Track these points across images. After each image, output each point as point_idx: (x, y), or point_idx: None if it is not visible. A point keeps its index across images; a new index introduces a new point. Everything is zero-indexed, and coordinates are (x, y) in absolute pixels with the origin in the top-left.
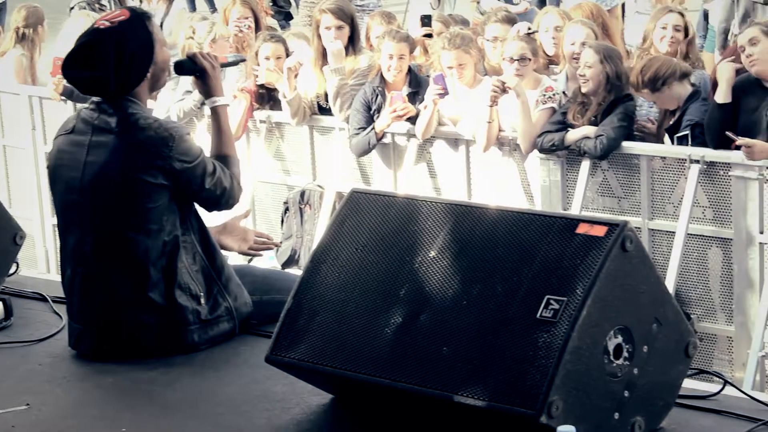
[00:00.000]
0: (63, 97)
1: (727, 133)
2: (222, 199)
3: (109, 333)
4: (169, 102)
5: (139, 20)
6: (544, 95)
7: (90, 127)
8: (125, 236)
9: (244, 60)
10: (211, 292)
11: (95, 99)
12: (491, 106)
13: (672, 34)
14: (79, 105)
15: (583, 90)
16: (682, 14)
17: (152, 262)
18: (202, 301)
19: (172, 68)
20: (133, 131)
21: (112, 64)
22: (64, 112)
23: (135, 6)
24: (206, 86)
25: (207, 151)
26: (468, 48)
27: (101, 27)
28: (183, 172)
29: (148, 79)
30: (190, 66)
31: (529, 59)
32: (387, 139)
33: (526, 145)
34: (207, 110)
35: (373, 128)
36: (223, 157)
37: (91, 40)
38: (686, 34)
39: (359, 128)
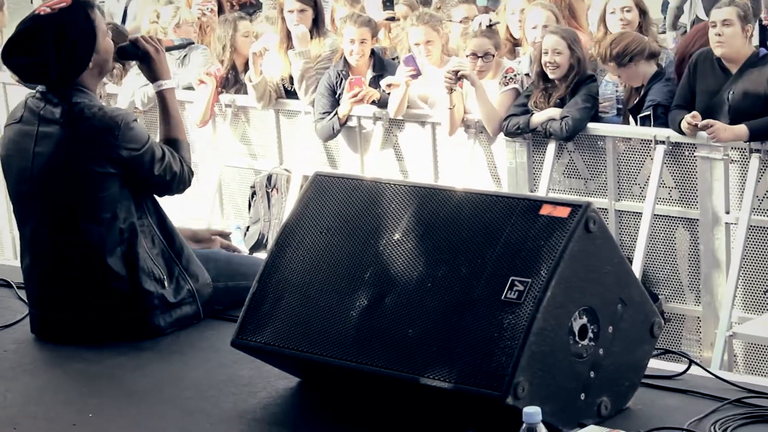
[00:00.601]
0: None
1: (691, 114)
2: (173, 184)
3: (72, 320)
4: (134, 87)
5: (80, 8)
6: (506, 77)
7: (36, 117)
8: (78, 227)
9: (192, 43)
10: (173, 275)
11: (40, 88)
12: (450, 94)
13: (621, 16)
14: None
15: (552, 76)
16: None
17: (109, 250)
18: (166, 284)
19: None
20: (78, 121)
21: (52, 51)
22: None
23: None
24: (151, 70)
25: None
26: (436, 25)
27: (41, 13)
28: (131, 159)
29: (91, 68)
30: (132, 51)
31: (493, 55)
32: (353, 123)
33: (491, 129)
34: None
35: (337, 113)
36: (172, 140)
37: (30, 26)
38: (643, 15)
39: (324, 113)
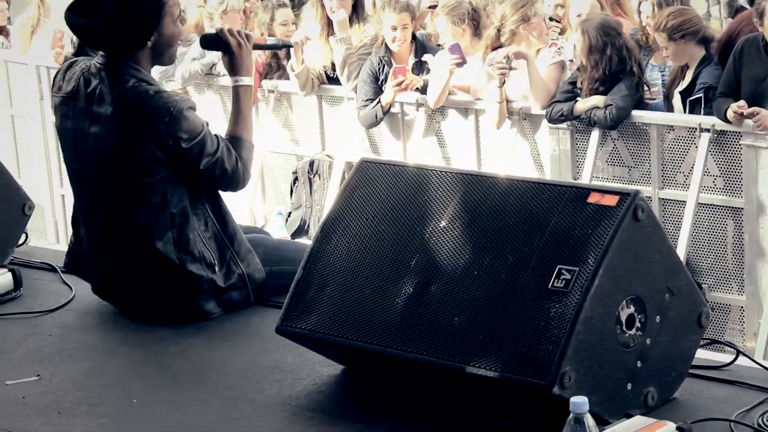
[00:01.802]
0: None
1: (737, 104)
2: (222, 181)
3: (124, 297)
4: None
5: None
6: (550, 50)
7: (90, 94)
8: (127, 210)
9: (289, 46)
10: (224, 259)
11: (97, 62)
12: (500, 87)
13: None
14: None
15: (593, 70)
16: None
17: (158, 235)
18: (217, 269)
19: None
20: (132, 103)
21: (110, 18)
22: None
23: None
24: (231, 64)
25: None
26: (461, 16)
27: None
28: (177, 149)
29: (150, 48)
30: (214, 40)
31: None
32: (396, 109)
33: (541, 102)
34: (221, 80)
35: (380, 101)
36: (235, 138)
37: None
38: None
39: (367, 100)
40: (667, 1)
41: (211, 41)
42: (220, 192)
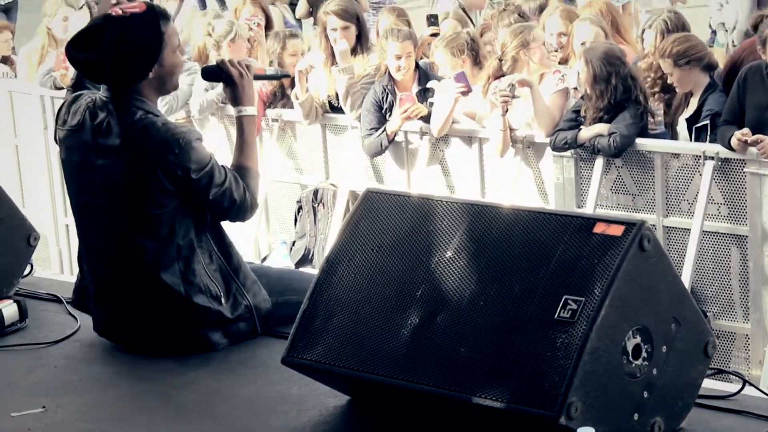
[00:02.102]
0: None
1: (741, 131)
2: (230, 211)
3: (129, 333)
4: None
5: (153, 17)
6: (554, 77)
7: (96, 127)
8: (135, 242)
9: (287, 76)
10: (230, 291)
11: (103, 95)
12: (503, 115)
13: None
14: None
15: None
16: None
17: (164, 266)
18: (223, 301)
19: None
20: (139, 136)
21: (112, 51)
22: None
23: (156, 4)
24: (233, 94)
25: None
26: (460, 47)
27: (113, 14)
28: (187, 180)
29: (152, 80)
30: (216, 72)
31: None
32: (400, 138)
33: (545, 129)
34: (228, 110)
35: (385, 130)
36: (242, 168)
37: (99, 24)
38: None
39: (371, 129)
40: (669, 28)
41: (212, 73)
42: (227, 222)
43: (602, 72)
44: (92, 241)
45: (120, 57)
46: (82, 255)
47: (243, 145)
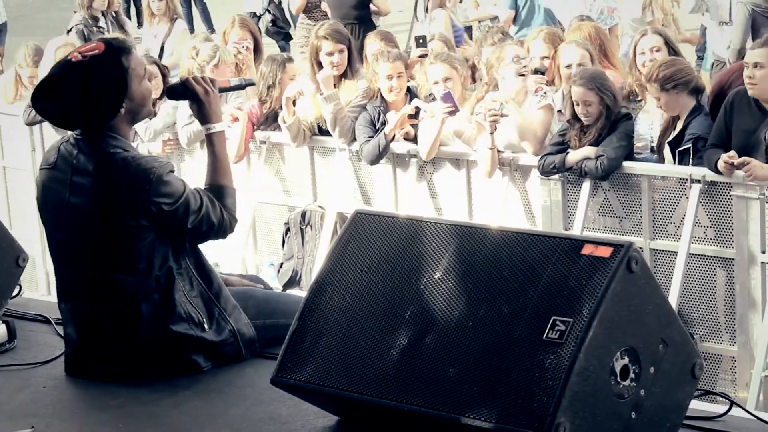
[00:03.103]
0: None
1: (728, 154)
2: (210, 234)
3: (110, 364)
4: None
5: (113, 54)
6: (536, 95)
7: (69, 165)
8: (112, 278)
9: (252, 84)
10: (213, 316)
11: (74, 134)
12: (492, 133)
13: (651, 57)
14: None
15: (585, 123)
16: (659, 34)
17: (143, 298)
18: (206, 326)
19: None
20: (111, 173)
21: (77, 99)
22: (63, 133)
23: (116, 37)
24: (200, 112)
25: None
26: (454, 63)
27: (72, 60)
28: (162, 213)
29: (123, 114)
30: (181, 91)
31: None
32: (388, 160)
33: (532, 147)
34: None
35: (383, 132)
36: (216, 187)
37: (59, 73)
38: (674, 54)
39: (369, 137)
40: (672, 47)
41: (178, 92)
42: (204, 245)
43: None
44: (69, 277)
45: (86, 103)
46: (60, 295)
47: (216, 163)
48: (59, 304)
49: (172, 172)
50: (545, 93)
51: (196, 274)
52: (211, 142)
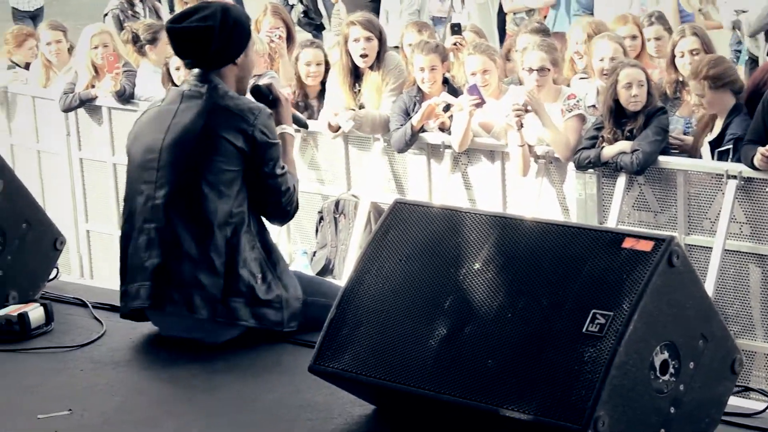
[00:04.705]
0: (117, 94)
1: (766, 148)
2: (284, 198)
3: (162, 287)
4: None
5: (242, 10)
6: (568, 103)
7: (179, 96)
8: (198, 192)
9: (306, 127)
10: (266, 278)
11: (189, 79)
12: (519, 130)
13: (690, 59)
14: (116, 114)
15: (633, 109)
16: (696, 35)
17: (218, 224)
18: (259, 281)
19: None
20: (222, 97)
21: (219, 21)
22: (97, 118)
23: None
24: (278, 115)
25: None
26: (492, 55)
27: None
28: (261, 145)
29: (236, 68)
30: (266, 92)
31: (549, 69)
32: (422, 151)
33: (563, 155)
34: None
35: (411, 122)
36: None
37: (200, 6)
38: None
39: (400, 125)
40: (709, 49)
41: (263, 93)
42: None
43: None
44: (147, 197)
45: (226, 26)
46: (123, 229)
47: (285, 159)
48: (122, 234)
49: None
50: (577, 101)
51: (259, 243)
52: (284, 141)
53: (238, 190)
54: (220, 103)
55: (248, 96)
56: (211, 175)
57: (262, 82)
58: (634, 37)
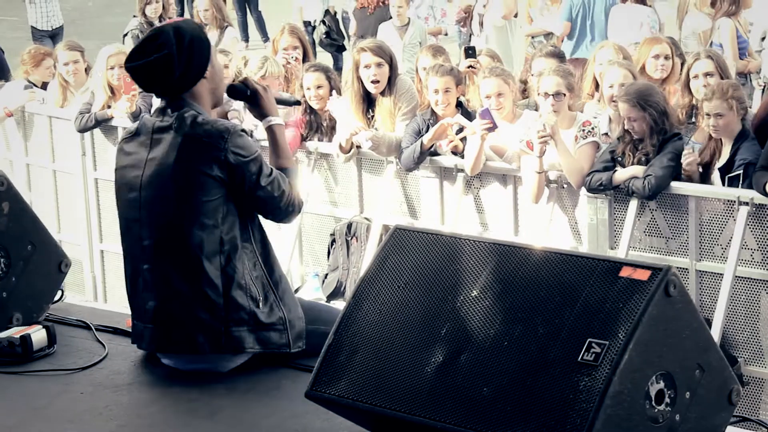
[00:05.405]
0: (133, 116)
1: None
2: (281, 202)
3: (163, 329)
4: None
5: (194, 23)
6: (583, 130)
7: (150, 128)
8: (181, 229)
9: (298, 103)
10: (268, 299)
11: (160, 106)
12: (540, 157)
13: (704, 82)
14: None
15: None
16: (712, 58)
17: (207, 256)
18: (261, 305)
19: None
20: (191, 126)
21: (174, 46)
22: (113, 138)
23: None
24: (260, 108)
25: None
26: (507, 78)
27: (159, 25)
28: (238, 166)
29: (207, 80)
30: (242, 89)
31: (564, 94)
32: (435, 173)
33: (575, 182)
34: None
35: (421, 141)
36: (282, 169)
37: (151, 34)
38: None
39: (409, 145)
40: (723, 72)
41: (239, 89)
42: (273, 224)
43: (638, 110)
44: (137, 236)
45: (182, 50)
46: (125, 268)
47: (277, 149)
48: (125, 274)
49: (246, 133)
50: (592, 128)
51: (261, 260)
52: (273, 132)
53: (224, 216)
54: (189, 132)
55: (224, 96)
56: (191, 210)
57: (227, 109)
58: (666, 57)
